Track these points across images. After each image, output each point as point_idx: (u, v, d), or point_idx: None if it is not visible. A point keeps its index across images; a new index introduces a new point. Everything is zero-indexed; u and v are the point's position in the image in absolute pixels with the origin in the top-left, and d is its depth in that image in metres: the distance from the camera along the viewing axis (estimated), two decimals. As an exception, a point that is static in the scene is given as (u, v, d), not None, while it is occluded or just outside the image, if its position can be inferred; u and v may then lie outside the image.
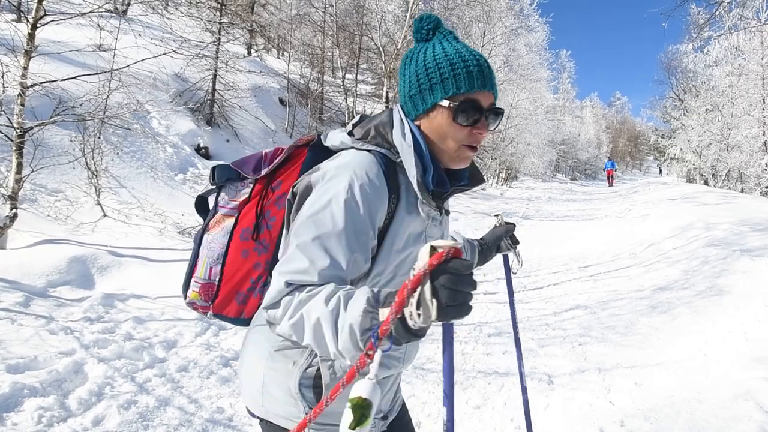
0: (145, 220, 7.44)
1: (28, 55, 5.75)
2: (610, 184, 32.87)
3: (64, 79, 6.17)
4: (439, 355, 4.69)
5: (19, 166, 5.89)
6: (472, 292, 0.98)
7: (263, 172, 1.56)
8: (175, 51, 7.05)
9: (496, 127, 1.46)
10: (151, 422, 3.43)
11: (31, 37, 5.78)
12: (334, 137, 1.48)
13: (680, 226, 9.75)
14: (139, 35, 7.91)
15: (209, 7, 12.82)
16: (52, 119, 6.12)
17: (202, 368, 4.16)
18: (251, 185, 1.59)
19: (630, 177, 45.43)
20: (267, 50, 21.34)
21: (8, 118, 5.89)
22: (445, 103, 1.37)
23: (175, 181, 9.53)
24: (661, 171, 43.24)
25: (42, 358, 3.79)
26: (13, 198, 5.84)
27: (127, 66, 6.84)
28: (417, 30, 1.47)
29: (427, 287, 0.96)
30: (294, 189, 1.39)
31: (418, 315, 0.96)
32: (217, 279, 1.56)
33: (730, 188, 21.23)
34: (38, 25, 5.81)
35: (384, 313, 1.03)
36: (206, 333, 4.75)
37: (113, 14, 10.52)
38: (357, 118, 1.52)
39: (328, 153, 1.49)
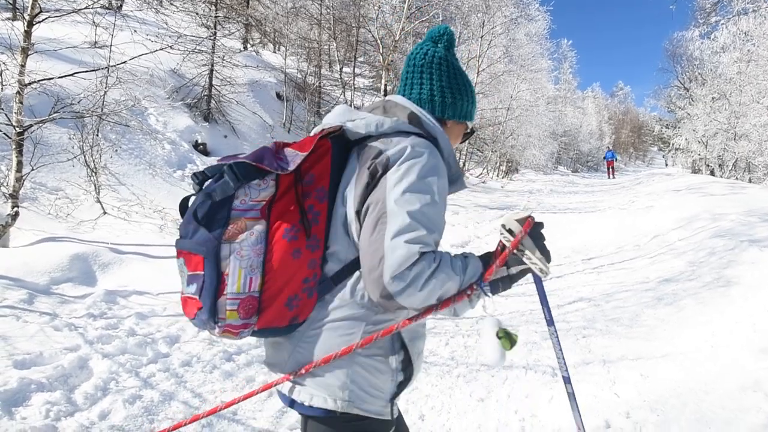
0: (144, 217, 7.43)
1: (25, 52, 5.73)
2: (611, 176, 30.65)
3: (62, 77, 6.16)
4: (441, 347, 4.68)
5: (19, 164, 5.89)
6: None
7: (291, 168, 1.43)
8: (171, 47, 7.02)
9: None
10: (156, 416, 3.43)
11: (28, 34, 5.76)
12: (371, 123, 1.52)
13: (686, 217, 9.66)
14: (135, 31, 7.86)
15: (204, 2, 12.79)
16: (51, 117, 6.10)
17: (205, 363, 4.15)
18: (274, 182, 1.44)
19: (633, 168, 45.26)
20: (263, 45, 21.29)
21: (7, 116, 5.87)
22: (469, 124, 1.77)
23: (173, 178, 9.52)
24: (666, 162, 42.53)
25: (47, 353, 3.81)
26: (14, 196, 5.84)
27: (124, 62, 6.82)
28: (436, 38, 1.68)
29: (528, 241, 1.43)
30: (370, 171, 1.44)
31: (537, 261, 1.42)
32: (258, 289, 1.41)
33: (737, 178, 21.02)
34: (34, 23, 5.78)
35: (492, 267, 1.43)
36: (209, 329, 4.73)
37: (109, 10, 10.48)
38: (372, 105, 1.67)
39: (348, 143, 1.56)
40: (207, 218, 1.41)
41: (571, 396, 1.71)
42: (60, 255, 5.37)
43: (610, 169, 31.56)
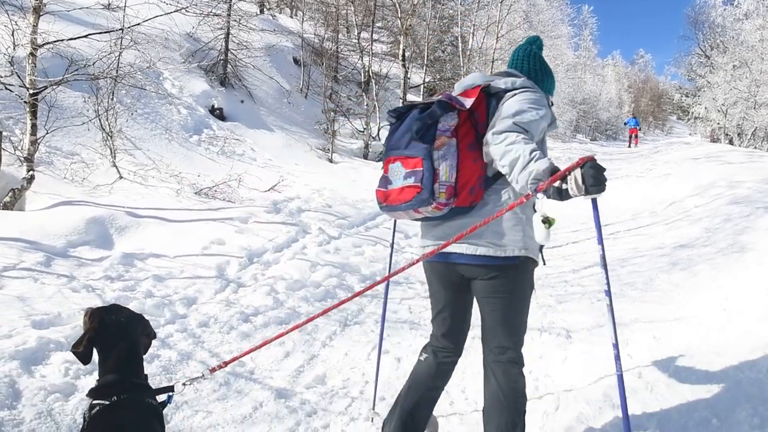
0: (161, 181, 7.47)
1: (37, 12, 5.69)
2: (629, 145, 28.88)
3: (75, 38, 6.13)
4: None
5: (34, 127, 5.90)
6: (605, 178, 1.88)
7: (468, 106, 2.20)
8: (186, 9, 6.93)
9: None
10: (174, 375, 3.50)
11: (40, -6, 5.71)
12: (508, 81, 2.33)
13: (703, 185, 9.56)
14: (150, -8, 7.77)
15: (220, -36, 12.56)
16: (65, 78, 6.09)
17: (222, 324, 4.21)
18: (457, 115, 2.20)
19: (652, 137, 44.39)
20: (280, 9, 21.02)
21: (20, 77, 5.86)
22: (551, 98, 2.56)
23: (190, 143, 9.54)
24: (690, 132, 40.69)
25: (65, 314, 3.85)
26: (29, 160, 5.88)
27: (138, 24, 6.75)
28: (532, 42, 2.60)
29: (578, 171, 1.87)
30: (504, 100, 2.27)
31: (575, 187, 1.88)
32: (455, 180, 2.14)
33: (756, 147, 20.62)
34: (47, -17, 5.73)
35: (542, 183, 1.94)
36: (225, 290, 4.79)
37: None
38: (502, 73, 2.50)
39: (493, 96, 2.31)
40: (422, 134, 2.15)
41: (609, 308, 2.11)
42: (76, 218, 5.41)
43: (633, 137, 29.24)
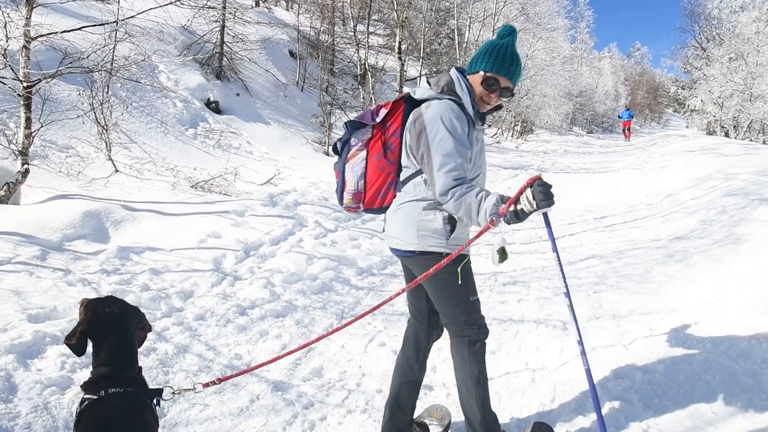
0: (157, 174, 7.43)
1: (29, 4, 5.64)
2: (627, 138, 28.80)
3: (69, 30, 6.07)
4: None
5: (28, 120, 5.87)
6: (552, 194, 2.08)
7: (378, 120, 2.54)
8: (180, 1, 6.88)
9: (507, 100, 2.55)
10: (171, 368, 3.50)
11: (32, -14, 5.66)
12: (422, 93, 2.50)
13: (699, 177, 9.57)
14: (144, -15, 7.70)
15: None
16: (59, 71, 6.04)
17: (219, 317, 4.21)
18: (371, 129, 2.55)
19: (648, 130, 44.37)
20: (275, 1, 20.90)
21: (13, 70, 5.82)
22: (482, 73, 2.45)
23: (186, 136, 9.50)
24: (687, 125, 40.13)
25: (61, 308, 3.85)
26: (23, 153, 5.85)
27: (133, 16, 6.69)
28: (499, 34, 2.51)
29: (529, 191, 2.10)
30: (414, 126, 2.42)
31: (528, 204, 2.09)
32: (363, 188, 2.56)
33: (751, 140, 20.65)
34: (39, -25, 5.68)
35: (502, 207, 2.14)
36: (222, 283, 4.79)
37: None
38: (424, 80, 2.57)
39: (416, 103, 2.50)
40: (339, 151, 2.63)
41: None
42: (72, 212, 5.39)
43: (627, 130, 29.34)
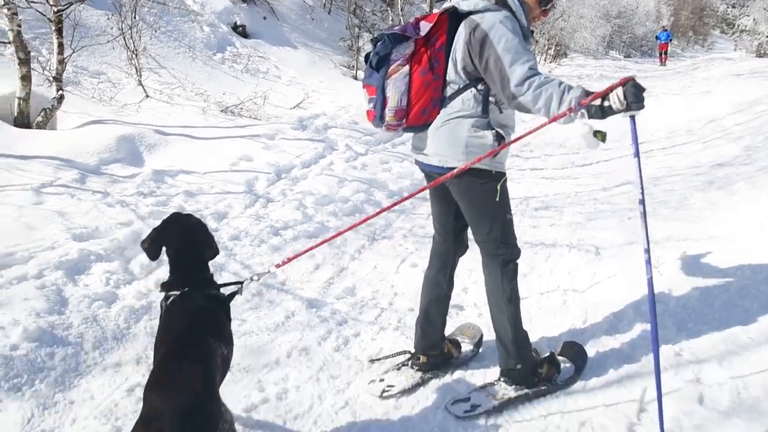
0: (187, 99, 7.42)
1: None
2: (662, 63, 25.89)
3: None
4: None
5: (60, 46, 5.85)
6: (644, 97, 2.05)
7: (423, 34, 2.35)
8: None
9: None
10: (208, 286, 3.60)
11: None
12: (471, 4, 2.37)
13: (745, 102, 9.16)
14: None
15: None
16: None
17: (253, 237, 4.29)
18: (413, 43, 2.37)
19: (691, 54, 42.17)
20: None
21: (42, -6, 5.76)
22: None
23: (214, 61, 9.41)
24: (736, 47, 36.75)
25: (103, 228, 3.97)
26: (58, 79, 5.86)
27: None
28: None
29: (620, 90, 2.05)
30: (474, 35, 2.31)
31: (618, 102, 2.05)
32: (406, 104, 2.40)
33: (806, 62, 19.43)
34: None
35: (586, 99, 2.09)
36: (255, 205, 4.85)
37: None
38: None
39: (460, 17, 2.40)
40: (377, 65, 2.37)
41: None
42: (107, 137, 5.45)
43: (663, 54, 26.28)
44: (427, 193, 2.77)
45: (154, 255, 2.14)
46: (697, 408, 2.42)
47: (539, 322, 3.26)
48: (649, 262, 2.23)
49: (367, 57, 2.48)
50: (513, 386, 2.60)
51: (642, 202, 2.23)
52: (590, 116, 2.12)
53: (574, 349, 2.87)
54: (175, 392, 1.76)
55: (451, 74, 2.43)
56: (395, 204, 2.66)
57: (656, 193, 5.54)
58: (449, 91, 2.45)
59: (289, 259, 2.52)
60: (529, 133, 2.29)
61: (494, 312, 2.64)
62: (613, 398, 2.55)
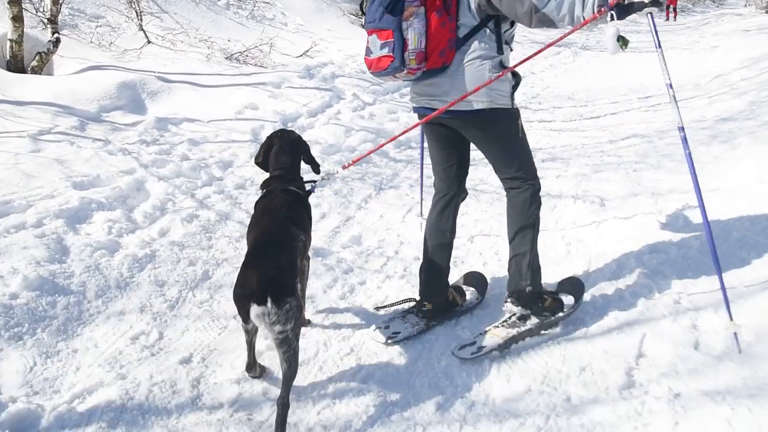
0: (190, 46, 7.31)
1: None
2: (668, 18, 23.95)
3: None
4: (492, 176, 4.64)
5: (55, -14, 5.70)
6: None
7: None
8: None
9: None
10: (214, 234, 3.64)
11: None
12: None
13: (752, 57, 9.02)
14: None
15: None
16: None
17: (258, 186, 4.27)
18: None
19: (701, 9, 41.23)
20: None
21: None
22: None
23: (218, 6, 9.22)
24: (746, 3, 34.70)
25: (104, 176, 3.95)
26: (53, 21, 5.74)
27: None
28: None
29: None
30: None
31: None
32: (424, 46, 2.37)
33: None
34: None
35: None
36: (260, 154, 4.83)
37: None
38: None
39: None
40: (391, 7, 2.33)
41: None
42: (107, 83, 5.37)
43: (671, 9, 24.17)
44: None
45: (266, 166, 2.68)
46: (693, 353, 2.47)
47: (543, 270, 3.23)
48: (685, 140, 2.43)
49: (361, 5, 2.53)
50: (519, 306, 2.67)
51: (670, 86, 2.33)
52: (618, 17, 2.16)
53: (571, 282, 2.96)
54: (264, 260, 2.20)
55: (463, 15, 2.42)
56: (393, 138, 2.79)
57: (661, 146, 5.52)
58: (462, 32, 2.44)
59: (354, 162, 2.96)
60: (572, 32, 2.34)
61: (517, 237, 2.69)
62: (612, 344, 2.60)
